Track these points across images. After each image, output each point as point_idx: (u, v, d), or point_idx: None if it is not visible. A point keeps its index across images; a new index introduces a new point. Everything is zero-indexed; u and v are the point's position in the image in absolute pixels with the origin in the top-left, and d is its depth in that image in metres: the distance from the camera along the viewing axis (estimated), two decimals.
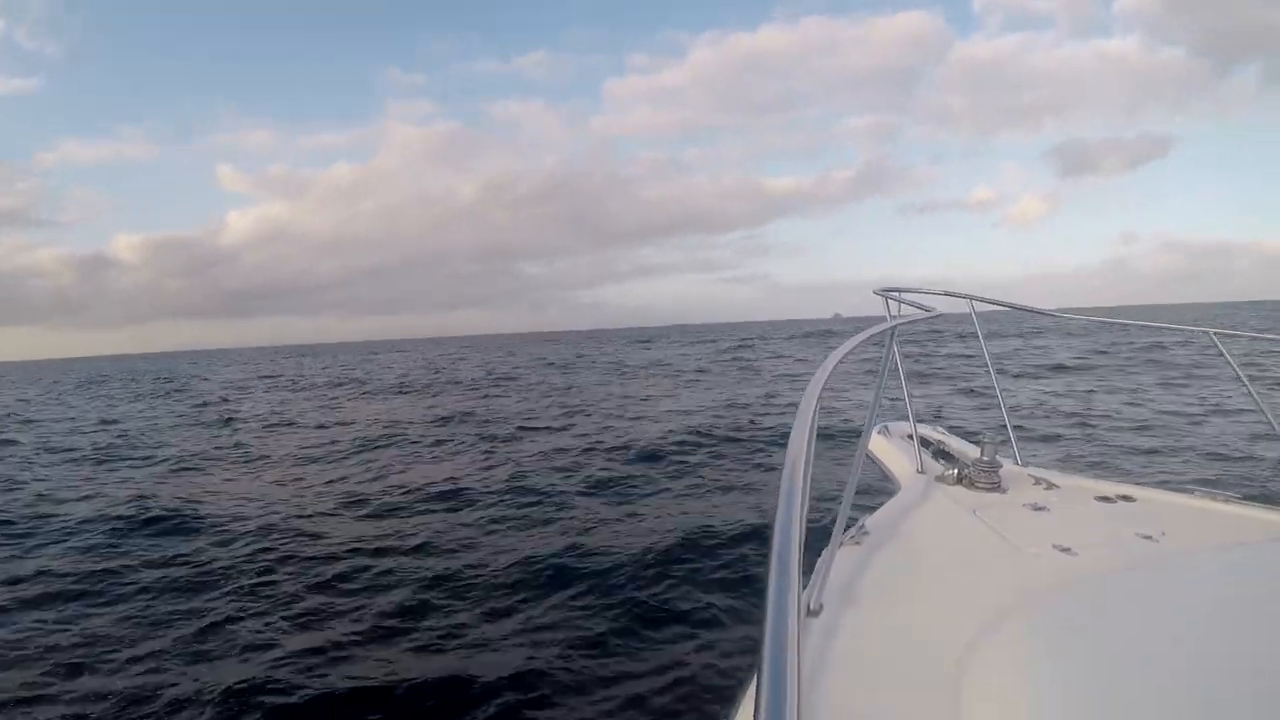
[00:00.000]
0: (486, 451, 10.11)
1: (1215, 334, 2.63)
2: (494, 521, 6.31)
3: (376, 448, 11.06)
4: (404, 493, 7.68)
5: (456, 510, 6.82)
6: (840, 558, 1.59)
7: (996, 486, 2.26)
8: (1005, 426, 2.66)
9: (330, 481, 8.66)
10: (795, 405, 1.20)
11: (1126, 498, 2.21)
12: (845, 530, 1.71)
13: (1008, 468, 2.44)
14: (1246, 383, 2.44)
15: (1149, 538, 1.81)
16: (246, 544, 5.91)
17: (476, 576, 4.89)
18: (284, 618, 4.39)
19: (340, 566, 5.21)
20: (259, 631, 4.21)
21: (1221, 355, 2.57)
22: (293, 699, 3.43)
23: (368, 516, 6.80)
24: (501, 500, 7.01)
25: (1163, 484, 2.36)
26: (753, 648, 0.71)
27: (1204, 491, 2.20)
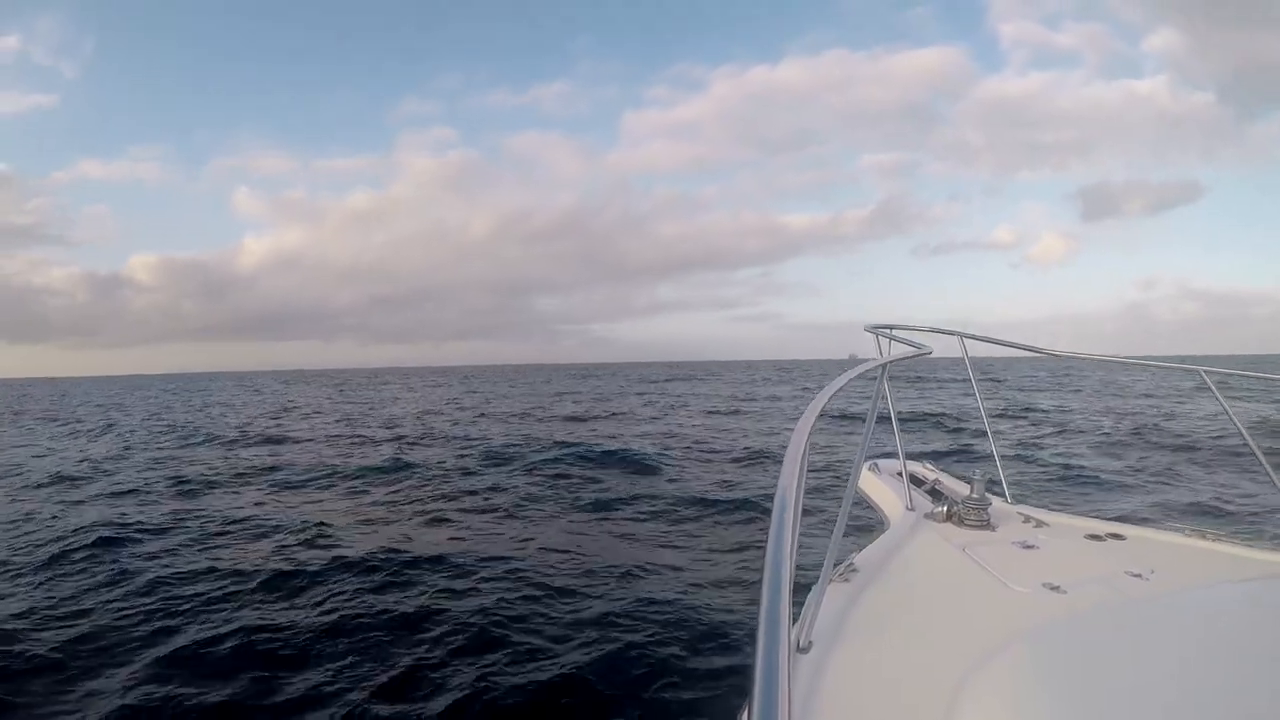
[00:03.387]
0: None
1: (1206, 373, 2.66)
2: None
3: None
4: None
5: None
6: (830, 594, 1.58)
7: (986, 524, 2.27)
8: (995, 464, 2.68)
9: None
10: (785, 443, 1.21)
11: (1116, 536, 2.21)
12: (835, 567, 1.71)
13: (997, 505, 2.44)
14: (1236, 422, 2.45)
15: (1138, 576, 1.81)
16: None
17: None
18: None
19: None
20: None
21: (1213, 394, 2.59)
22: None
23: None
24: None
25: (1152, 522, 2.37)
26: (742, 684, 0.71)
27: (1193, 530, 2.21)
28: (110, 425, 21.51)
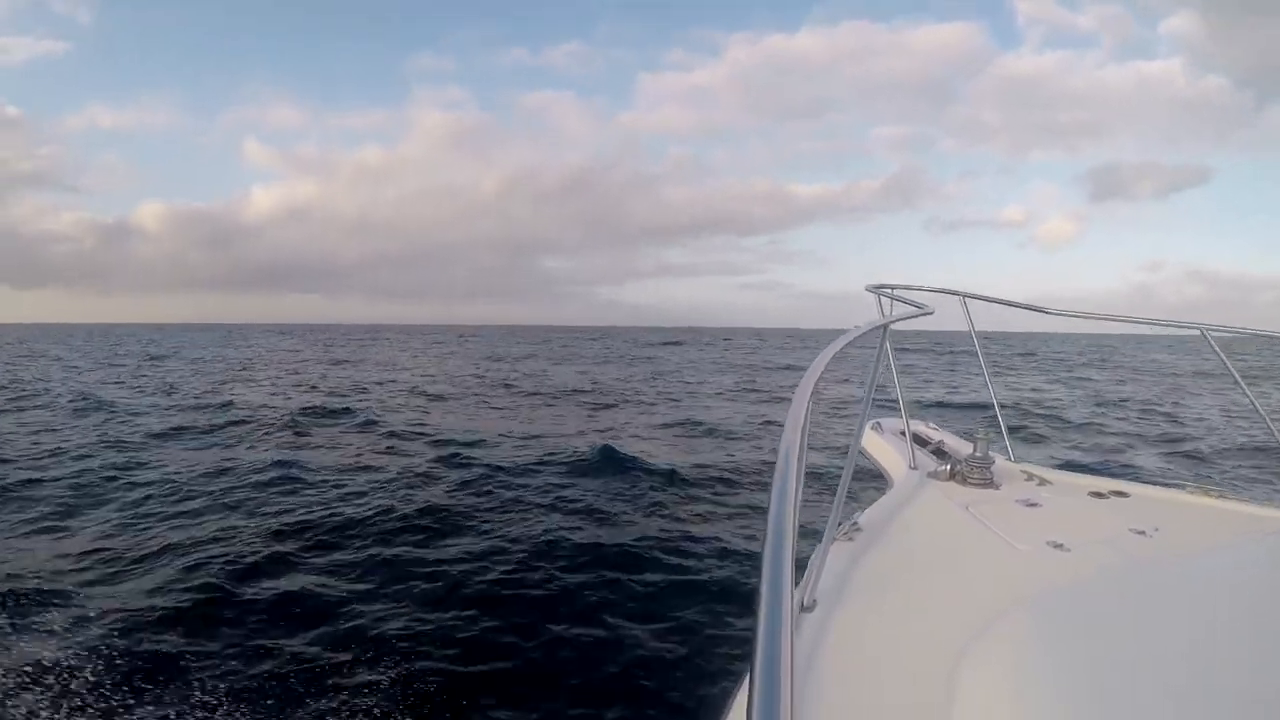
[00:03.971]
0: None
1: (1207, 330, 2.63)
2: None
3: None
4: None
5: None
6: (834, 553, 1.59)
7: (989, 482, 2.27)
8: (998, 423, 2.67)
9: None
10: (789, 403, 1.19)
11: (1119, 493, 2.21)
12: (838, 526, 1.71)
13: (1000, 464, 2.44)
14: (1239, 379, 2.44)
15: (1141, 533, 1.82)
16: None
17: None
18: None
19: None
20: None
21: (1215, 353, 2.57)
22: None
23: None
24: None
25: (1155, 480, 2.37)
26: (746, 642, 0.71)
27: (1196, 487, 2.22)
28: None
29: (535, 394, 16.85)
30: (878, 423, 3.02)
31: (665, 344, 49.98)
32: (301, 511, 6.21)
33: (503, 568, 4.80)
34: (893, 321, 2.07)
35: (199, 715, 3.19)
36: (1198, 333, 2.67)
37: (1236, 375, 2.47)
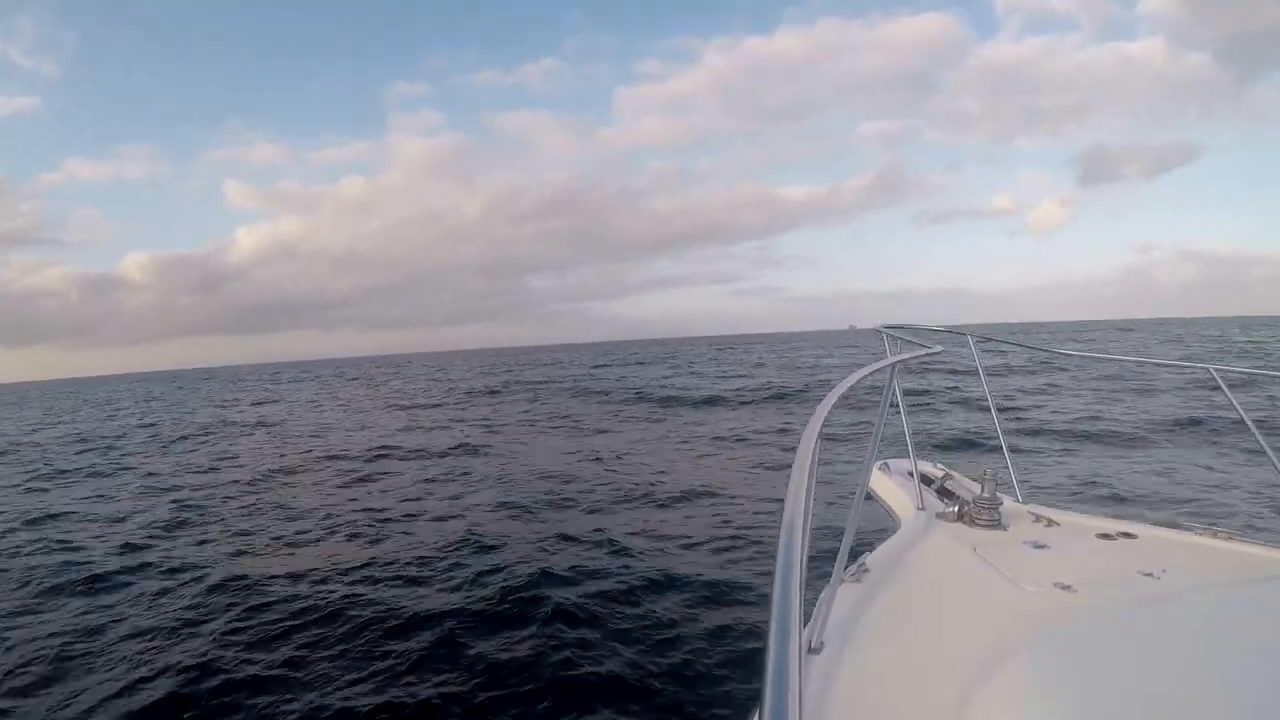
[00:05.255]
0: None
1: (1216, 370, 2.64)
2: None
3: None
4: None
5: None
6: (841, 595, 1.59)
7: (997, 524, 2.26)
8: (1006, 463, 2.67)
9: None
10: (795, 442, 1.21)
11: (1127, 535, 2.20)
12: (846, 568, 1.71)
13: (1008, 505, 2.44)
14: (1246, 418, 2.44)
15: (1150, 575, 1.81)
16: None
17: None
18: None
19: None
20: None
21: (1222, 392, 2.58)
22: None
23: None
24: None
25: (1165, 522, 2.36)
26: (754, 684, 0.72)
27: (1205, 529, 2.20)
28: None
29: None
30: (885, 463, 3.02)
31: (606, 364, 45.68)
32: None
33: None
34: (900, 361, 2.09)
35: None
36: (1207, 372, 2.69)
37: (1243, 412, 2.48)
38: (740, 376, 26.49)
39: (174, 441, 17.61)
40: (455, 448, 13.01)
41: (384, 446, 13.66)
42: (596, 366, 43.18)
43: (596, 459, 11.10)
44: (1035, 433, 11.16)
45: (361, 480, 10.58)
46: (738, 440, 12.40)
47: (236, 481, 11.05)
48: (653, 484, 8.83)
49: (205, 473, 12.32)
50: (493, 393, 26.96)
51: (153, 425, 22.79)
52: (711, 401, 18.83)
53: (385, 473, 11.10)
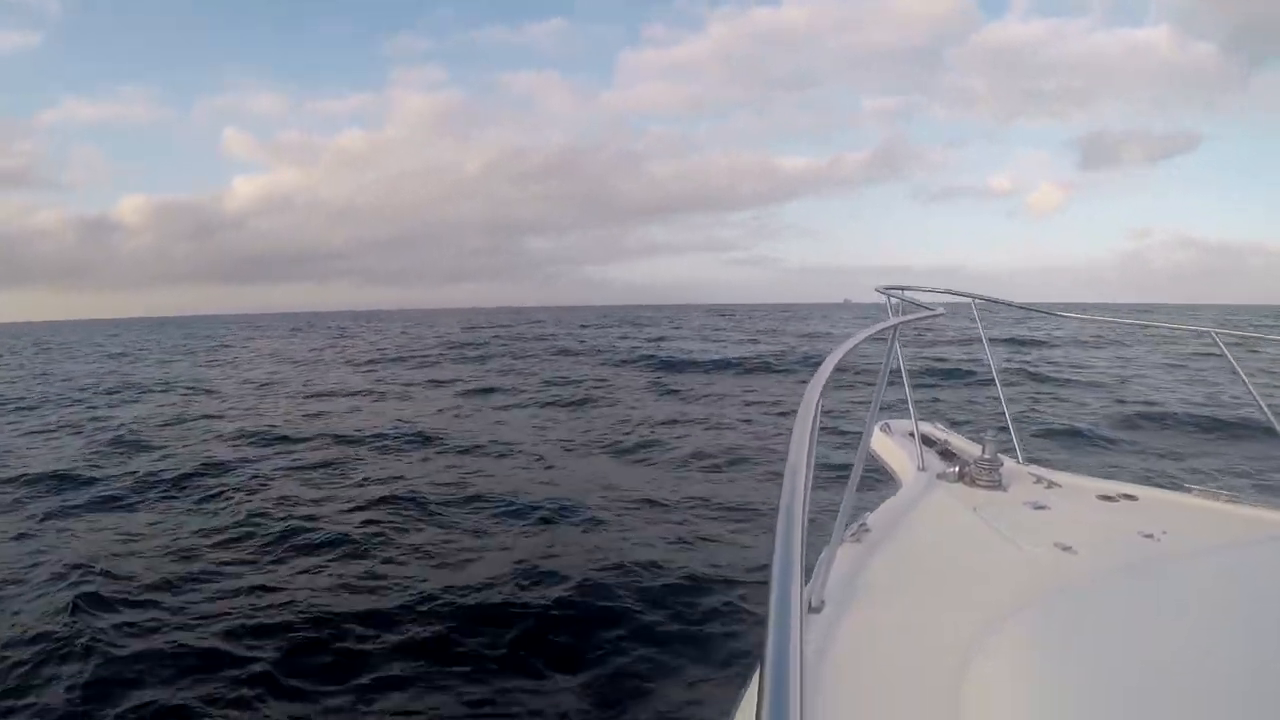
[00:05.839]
0: None
1: (1217, 334, 2.63)
2: None
3: None
4: None
5: None
6: (842, 555, 1.59)
7: (998, 484, 2.27)
8: (1007, 424, 2.67)
9: None
10: (796, 403, 1.20)
11: (1128, 496, 2.21)
12: (847, 528, 1.72)
13: (1009, 466, 2.44)
14: (1246, 381, 2.44)
15: (1150, 536, 1.81)
16: None
17: None
18: None
19: None
20: None
21: (1223, 355, 2.57)
22: None
23: None
24: None
25: (1165, 484, 2.37)
26: (755, 643, 0.71)
27: (1205, 491, 2.21)
28: None
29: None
30: (886, 424, 3.02)
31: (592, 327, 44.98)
32: None
33: None
34: (902, 323, 2.07)
35: None
36: (1208, 333, 2.67)
37: (1243, 375, 2.47)
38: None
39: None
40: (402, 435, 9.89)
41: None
42: (585, 327, 42.79)
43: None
44: (1159, 418, 9.59)
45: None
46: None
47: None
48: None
49: None
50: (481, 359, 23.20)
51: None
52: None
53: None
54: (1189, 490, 2.24)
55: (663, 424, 10.34)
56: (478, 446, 8.95)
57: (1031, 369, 13.92)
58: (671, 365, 18.66)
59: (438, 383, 16.66)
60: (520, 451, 8.65)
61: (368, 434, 9.96)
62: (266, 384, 17.51)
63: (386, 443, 9.37)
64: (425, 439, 9.47)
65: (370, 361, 23.69)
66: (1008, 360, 15.03)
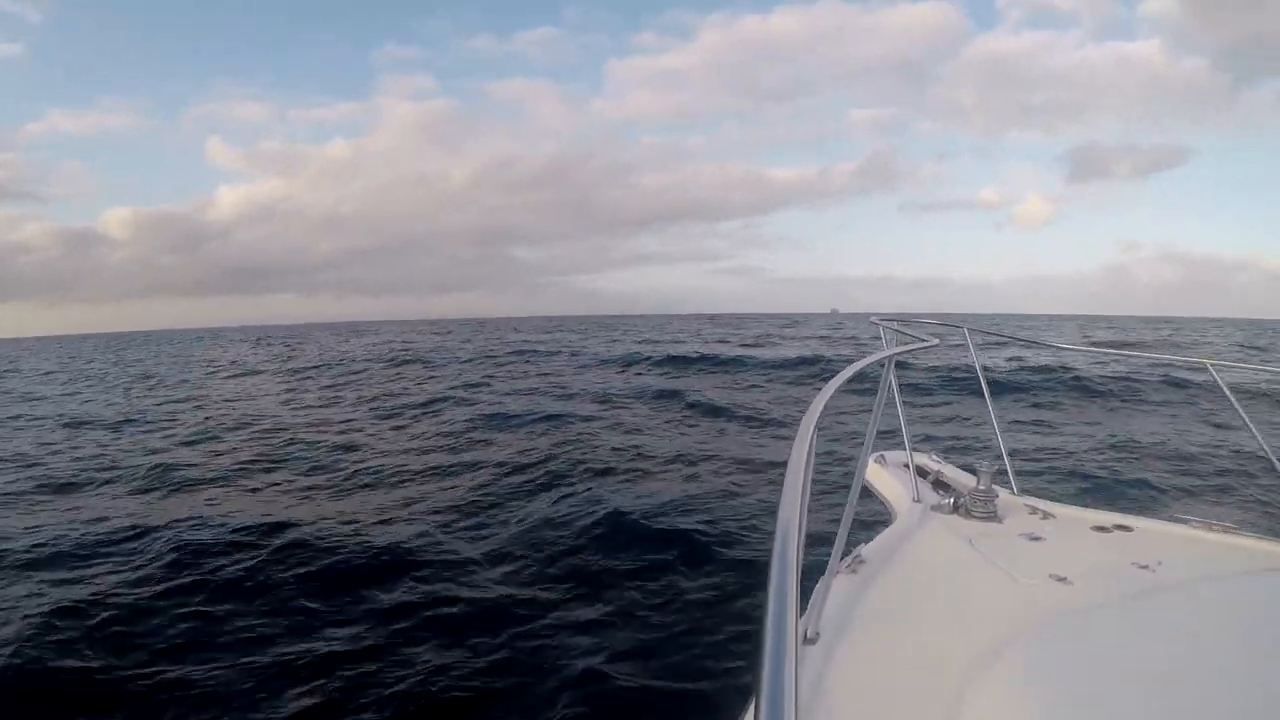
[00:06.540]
0: None
1: (1213, 365, 2.65)
2: None
3: None
4: None
5: None
6: (837, 586, 1.59)
7: (993, 516, 2.27)
8: (1001, 455, 2.68)
9: None
10: (792, 434, 1.21)
11: (1123, 527, 2.21)
12: (842, 559, 1.72)
13: (1004, 497, 2.44)
14: (1242, 414, 2.45)
15: (1145, 568, 1.81)
16: None
17: None
18: None
19: None
20: None
21: (1219, 387, 2.59)
22: None
23: None
24: None
25: (1160, 514, 2.37)
26: (749, 675, 0.71)
27: (1200, 522, 2.21)
28: None
29: None
30: (881, 455, 3.02)
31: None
32: None
33: None
34: (897, 355, 2.09)
35: None
36: (1204, 366, 2.69)
37: (1239, 408, 2.49)
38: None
39: None
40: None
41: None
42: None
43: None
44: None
45: None
46: None
47: None
48: None
49: None
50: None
51: None
52: None
53: None
54: (1184, 521, 2.24)
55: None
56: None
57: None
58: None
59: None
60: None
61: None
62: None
63: None
64: None
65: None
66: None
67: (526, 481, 7.79)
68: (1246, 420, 2.44)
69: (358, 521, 6.45)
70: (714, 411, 12.48)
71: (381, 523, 6.44)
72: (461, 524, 6.37)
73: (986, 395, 2.97)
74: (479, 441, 10.43)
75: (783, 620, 0.76)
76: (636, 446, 9.38)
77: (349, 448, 10.25)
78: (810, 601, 1.44)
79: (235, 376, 24.54)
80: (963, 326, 3.02)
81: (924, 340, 2.51)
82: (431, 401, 14.83)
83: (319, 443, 10.65)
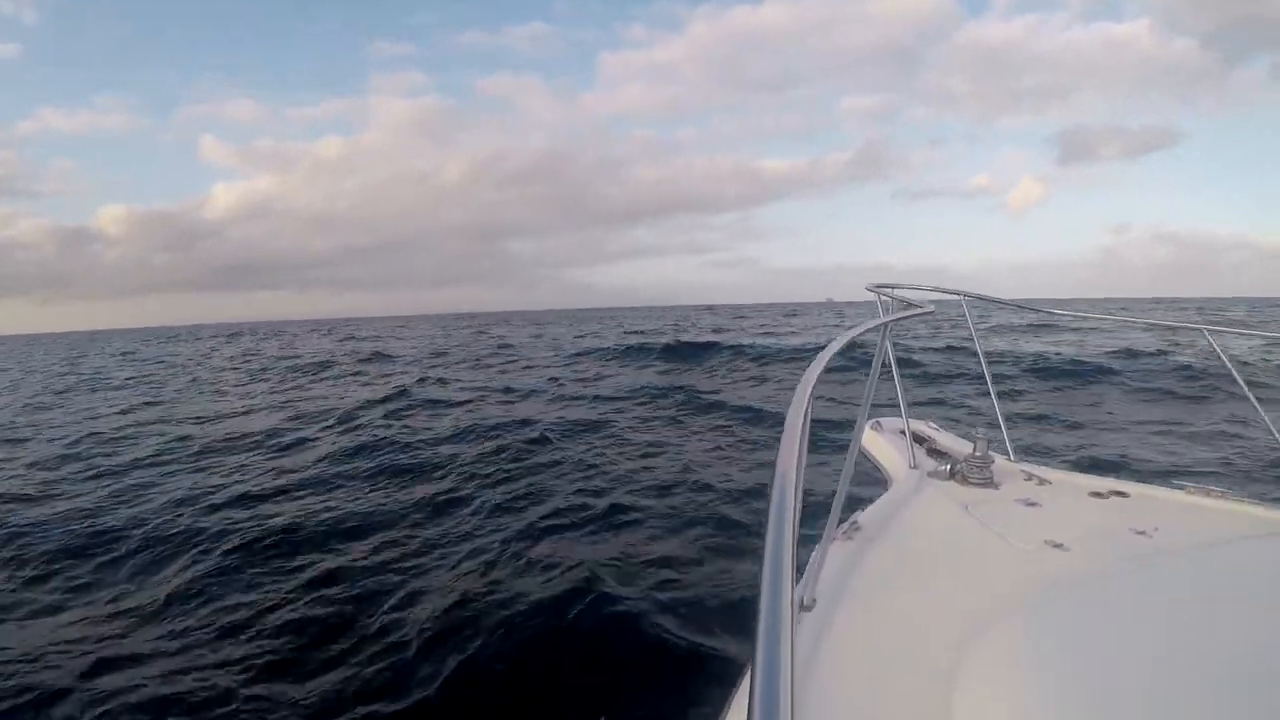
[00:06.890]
0: None
1: (1209, 331, 2.64)
2: None
3: None
4: None
5: None
6: (833, 553, 1.59)
7: (989, 482, 2.27)
8: (998, 421, 2.67)
9: None
10: (789, 402, 1.19)
11: (1119, 493, 2.21)
12: (838, 526, 1.71)
13: (1000, 463, 2.44)
14: (1238, 378, 2.45)
15: (1142, 533, 1.81)
16: None
17: None
18: None
19: None
20: None
21: (1215, 352, 2.57)
22: None
23: None
24: None
25: (1156, 480, 2.37)
26: (746, 642, 0.70)
27: (1197, 488, 2.21)
28: None
29: None
30: (878, 422, 3.02)
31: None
32: None
33: None
34: (893, 321, 2.07)
35: None
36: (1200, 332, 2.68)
37: (1236, 374, 2.48)
38: None
39: None
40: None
41: None
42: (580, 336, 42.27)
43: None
44: None
45: None
46: None
47: None
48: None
49: None
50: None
51: None
52: None
53: None
54: (1181, 487, 2.24)
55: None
56: None
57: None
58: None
59: None
60: None
61: None
62: None
63: None
64: None
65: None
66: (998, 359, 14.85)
67: None
68: (1243, 384, 2.43)
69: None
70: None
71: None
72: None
73: (982, 362, 2.96)
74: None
75: (778, 587, 0.75)
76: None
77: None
78: (807, 568, 1.43)
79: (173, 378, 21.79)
80: (959, 293, 3.00)
81: (919, 307, 2.49)
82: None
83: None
